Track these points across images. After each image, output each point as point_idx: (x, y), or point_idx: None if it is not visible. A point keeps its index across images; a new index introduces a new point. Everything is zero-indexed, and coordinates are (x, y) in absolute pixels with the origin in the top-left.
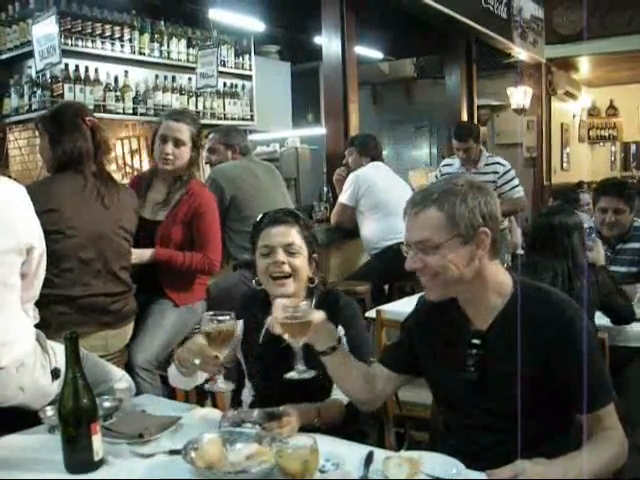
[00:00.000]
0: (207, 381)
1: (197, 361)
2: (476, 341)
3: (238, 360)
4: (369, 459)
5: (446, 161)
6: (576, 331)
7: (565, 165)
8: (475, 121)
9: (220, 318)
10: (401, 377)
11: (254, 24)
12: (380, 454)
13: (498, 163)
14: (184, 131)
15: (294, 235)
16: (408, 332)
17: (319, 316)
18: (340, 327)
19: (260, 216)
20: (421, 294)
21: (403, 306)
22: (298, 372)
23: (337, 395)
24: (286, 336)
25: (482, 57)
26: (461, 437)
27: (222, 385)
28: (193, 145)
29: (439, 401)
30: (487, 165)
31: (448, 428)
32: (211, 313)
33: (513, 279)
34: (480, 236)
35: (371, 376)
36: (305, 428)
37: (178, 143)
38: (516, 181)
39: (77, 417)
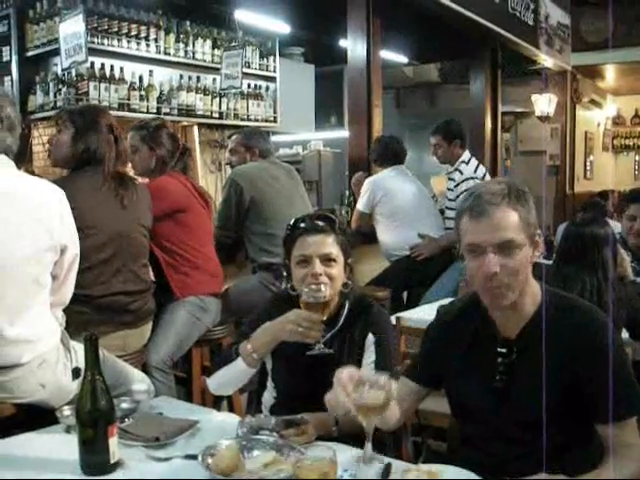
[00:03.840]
0: (309, 348)
1: (300, 329)
2: (504, 350)
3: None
4: (387, 471)
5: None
6: (605, 339)
7: (588, 174)
8: (499, 128)
9: (314, 287)
10: (425, 390)
11: (279, 26)
12: (397, 465)
13: (458, 170)
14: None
15: (331, 244)
16: (431, 343)
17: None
18: (370, 335)
19: (293, 221)
20: (441, 304)
21: (423, 314)
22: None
23: None
24: (360, 417)
25: (507, 63)
26: (481, 449)
27: (325, 349)
28: (149, 148)
29: (458, 413)
30: (455, 170)
31: (466, 441)
32: (307, 289)
33: (540, 287)
34: (537, 239)
35: (400, 401)
36: (323, 437)
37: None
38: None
39: (94, 419)
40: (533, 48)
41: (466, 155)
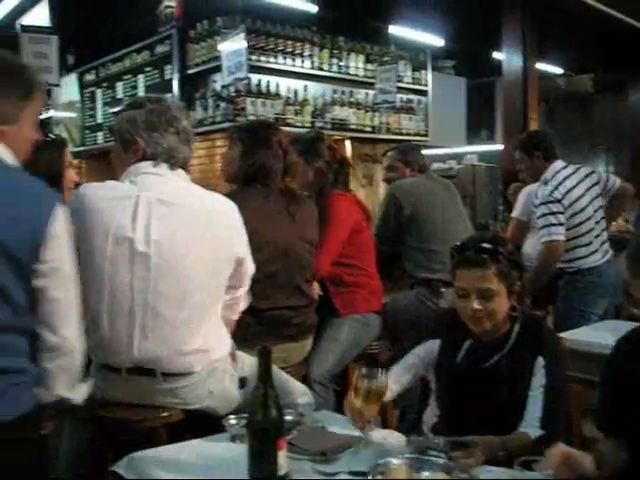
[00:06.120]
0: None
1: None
2: None
3: (423, 379)
4: None
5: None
6: None
7: None
8: None
9: (371, 375)
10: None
11: (432, 39)
12: None
13: (535, 196)
14: None
15: (490, 279)
16: (613, 381)
17: None
18: (540, 358)
19: (457, 246)
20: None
21: (586, 336)
22: None
23: (524, 429)
24: None
25: None
26: None
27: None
28: (305, 161)
29: (634, 451)
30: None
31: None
32: (365, 369)
33: None
34: None
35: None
36: (489, 461)
37: None
38: (541, 222)
39: (265, 431)
40: None
41: (550, 171)
